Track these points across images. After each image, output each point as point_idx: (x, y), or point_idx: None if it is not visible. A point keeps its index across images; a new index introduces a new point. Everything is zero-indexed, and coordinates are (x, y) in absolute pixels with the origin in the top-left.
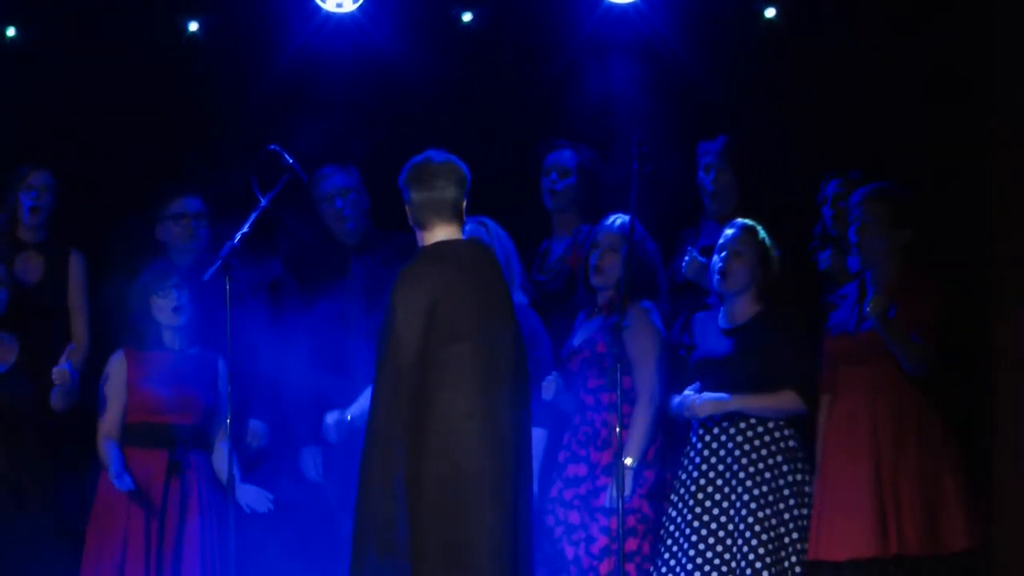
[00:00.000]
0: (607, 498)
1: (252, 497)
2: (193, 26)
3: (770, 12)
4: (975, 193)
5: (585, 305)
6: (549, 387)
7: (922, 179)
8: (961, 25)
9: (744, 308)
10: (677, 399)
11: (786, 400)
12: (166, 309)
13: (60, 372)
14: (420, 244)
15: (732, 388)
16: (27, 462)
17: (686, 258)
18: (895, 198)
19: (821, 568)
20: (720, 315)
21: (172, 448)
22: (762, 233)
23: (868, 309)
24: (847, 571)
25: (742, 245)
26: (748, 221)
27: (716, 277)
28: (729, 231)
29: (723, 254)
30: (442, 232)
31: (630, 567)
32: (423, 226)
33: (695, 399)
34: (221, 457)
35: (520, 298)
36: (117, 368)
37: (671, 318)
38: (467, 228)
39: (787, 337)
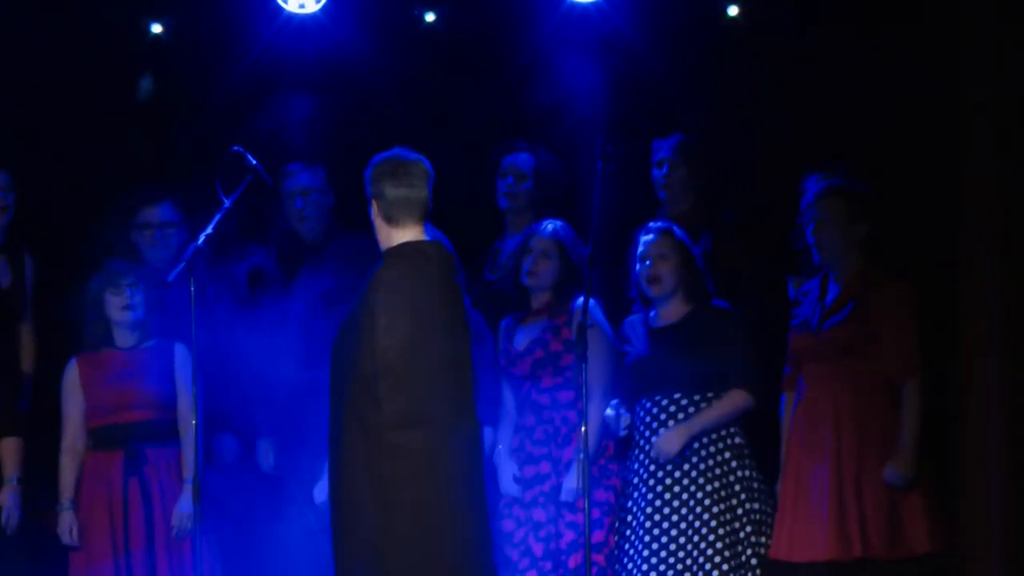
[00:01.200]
0: (564, 491)
1: (181, 505)
2: (157, 28)
3: (733, 10)
4: (943, 188)
5: (516, 310)
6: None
7: (888, 174)
8: (924, 18)
9: (674, 309)
10: (608, 413)
11: (737, 400)
12: (118, 307)
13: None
14: (385, 242)
15: (666, 388)
16: None
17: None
18: (849, 193)
19: (780, 569)
20: (650, 317)
21: (127, 446)
22: (679, 233)
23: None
24: (804, 573)
25: (664, 248)
26: (662, 223)
27: (644, 284)
28: (647, 236)
29: (647, 263)
30: (411, 232)
31: (599, 558)
32: (394, 223)
33: (661, 439)
34: (186, 450)
35: None
36: (71, 378)
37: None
38: None
39: (724, 335)
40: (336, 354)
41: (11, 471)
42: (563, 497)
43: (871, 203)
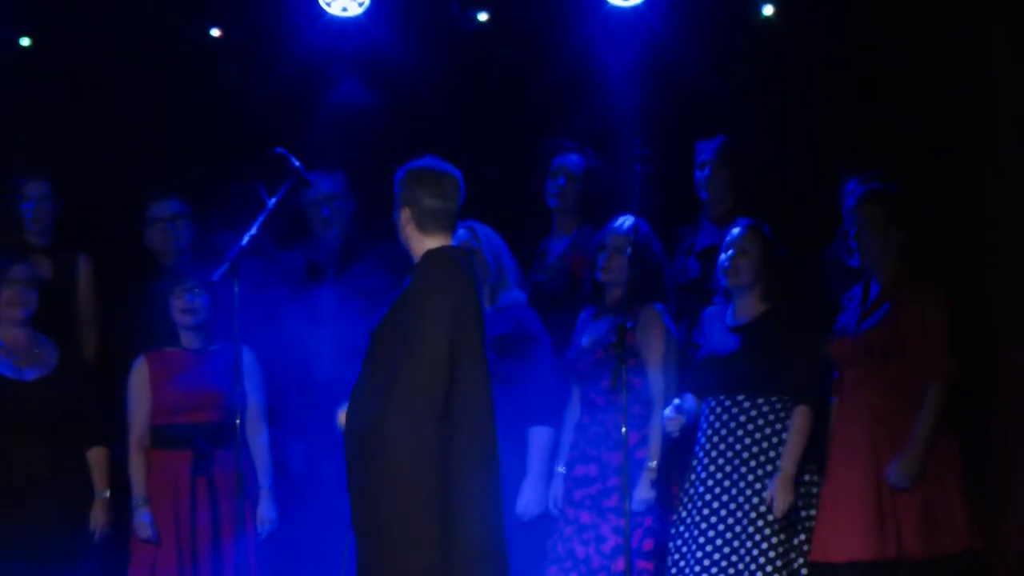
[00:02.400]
0: (635, 501)
1: (264, 510)
2: (215, 32)
3: (768, 10)
4: (975, 189)
5: (590, 305)
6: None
7: (921, 175)
8: (956, 22)
9: (750, 305)
10: (666, 413)
11: (805, 419)
12: (180, 310)
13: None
14: (416, 248)
15: (738, 386)
16: (66, 464)
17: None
18: (888, 199)
19: (821, 570)
20: (728, 312)
21: (196, 447)
22: (767, 231)
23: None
24: (846, 573)
25: (747, 243)
26: (753, 220)
27: (721, 274)
28: (735, 230)
29: (730, 252)
30: (441, 239)
31: (649, 566)
32: (426, 231)
33: (776, 501)
34: (258, 455)
35: (518, 296)
36: (139, 374)
37: (677, 318)
38: (457, 233)
39: (791, 342)
40: (376, 352)
41: (101, 484)
42: (635, 507)
43: (909, 208)
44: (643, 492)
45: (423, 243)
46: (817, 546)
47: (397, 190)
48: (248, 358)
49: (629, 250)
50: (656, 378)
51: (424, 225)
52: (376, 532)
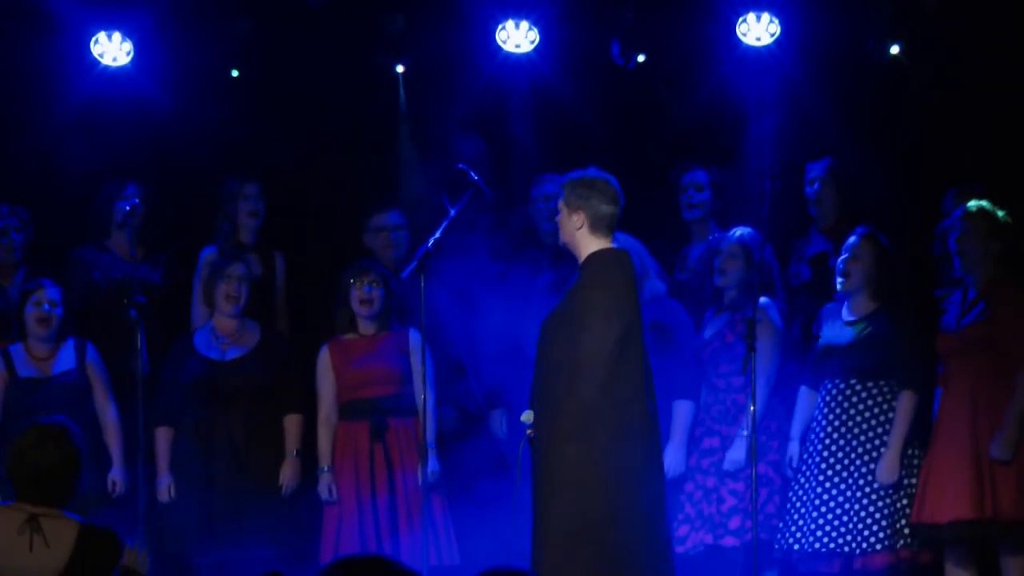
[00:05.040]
0: (727, 462)
1: (429, 464)
2: (400, 68)
3: (894, 49)
4: None
5: (712, 303)
6: None
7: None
8: None
9: (864, 304)
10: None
11: (910, 401)
12: (359, 300)
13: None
14: (583, 247)
15: (851, 372)
16: (262, 435)
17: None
18: (988, 213)
19: (925, 529)
20: (844, 308)
21: (372, 417)
22: (880, 239)
23: (996, 455)
24: (948, 531)
25: (860, 250)
26: (868, 228)
27: (838, 278)
28: (852, 238)
29: (844, 256)
30: (605, 241)
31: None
32: (595, 233)
33: (882, 472)
34: (424, 418)
35: (660, 286)
36: (323, 362)
37: (789, 317)
38: None
39: (897, 335)
40: (550, 343)
41: (292, 445)
42: (725, 467)
43: (1008, 222)
44: (736, 454)
45: (590, 244)
46: (922, 509)
47: (565, 195)
48: (414, 338)
49: (758, 255)
50: (761, 362)
51: (595, 228)
52: (548, 494)
